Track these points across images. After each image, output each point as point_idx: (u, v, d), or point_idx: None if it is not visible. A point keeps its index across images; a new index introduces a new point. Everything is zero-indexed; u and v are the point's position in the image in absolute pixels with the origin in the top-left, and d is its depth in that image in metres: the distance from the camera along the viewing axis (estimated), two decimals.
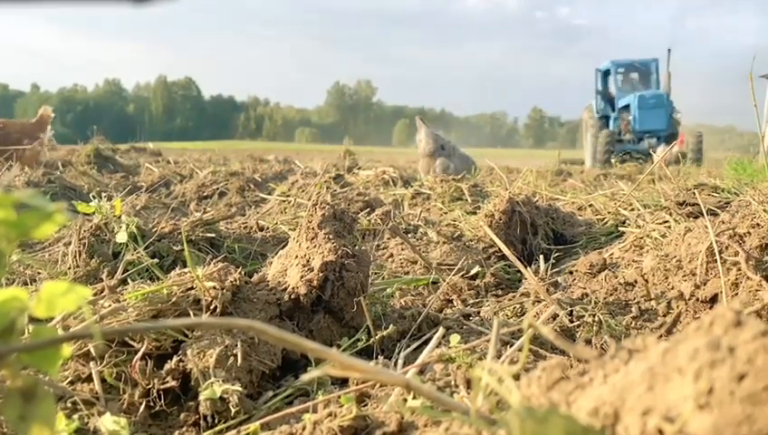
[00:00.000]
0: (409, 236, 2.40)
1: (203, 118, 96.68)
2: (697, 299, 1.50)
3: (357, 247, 1.37)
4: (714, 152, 14.21)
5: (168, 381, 1.04)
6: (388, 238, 2.35)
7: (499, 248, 1.86)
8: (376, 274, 1.85)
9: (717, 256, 1.48)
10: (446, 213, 2.97)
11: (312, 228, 1.37)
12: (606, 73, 14.58)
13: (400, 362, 1.16)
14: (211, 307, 1.18)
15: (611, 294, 1.67)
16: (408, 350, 1.25)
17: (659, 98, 13.23)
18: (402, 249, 2.16)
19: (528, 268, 1.67)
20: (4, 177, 3.47)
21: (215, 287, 1.20)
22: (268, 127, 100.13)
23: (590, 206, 2.82)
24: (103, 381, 1.05)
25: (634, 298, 1.63)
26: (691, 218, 2.21)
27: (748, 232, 1.52)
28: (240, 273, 1.27)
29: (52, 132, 5.57)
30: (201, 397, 0.98)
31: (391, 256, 2.15)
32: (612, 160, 9.64)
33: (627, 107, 13.72)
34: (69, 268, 1.73)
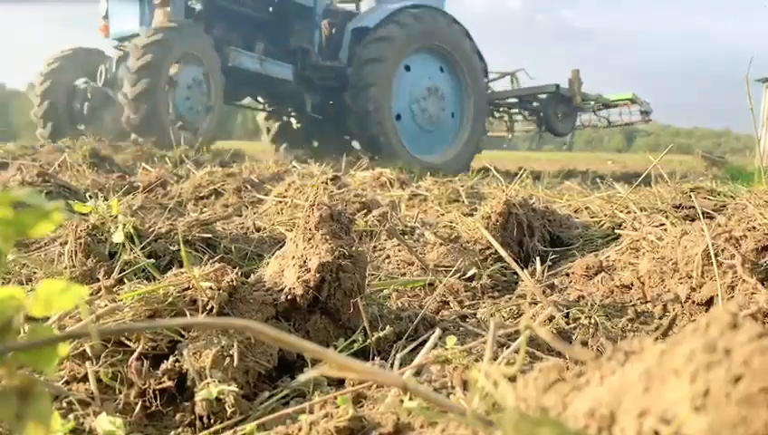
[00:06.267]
0: (406, 237, 2.40)
1: None
2: (693, 302, 1.50)
3: (354, 249, 1.37)
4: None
5: (164, 382, 1.04)
6: (385, 240, 2.35)
7: (496, 250, 1.86)
8: (373, 275, 1.85)
9: (713, 259, 1.49)
10: (442, 215, 2.96)
11: (309, 229, 1.37)
12: None
13: (397, 363, 1.16)
14: (207, 307, 1.18)
15: (608, 297, 1.67)
16: (405, 351, 1.24)
17: None
18: (399, 251, 2.16)
19: (525, 270, 1.68)
20: (1, 176, 3.47)
21: (211, 288, 1.20)
22: None
23: (587, 208, 2.82)
24: (99, 380, 1.05)
25: (630, 301, 1.63)
26: (687, 221, 2.21)
27: (744, 235, 1.52)
28: (237, 273, 1.27)
29: None
30: (197, 397, 0.98)
31: (388, 257, 2.15)
32: None
33: None
34: (65, 268, 1.72)
